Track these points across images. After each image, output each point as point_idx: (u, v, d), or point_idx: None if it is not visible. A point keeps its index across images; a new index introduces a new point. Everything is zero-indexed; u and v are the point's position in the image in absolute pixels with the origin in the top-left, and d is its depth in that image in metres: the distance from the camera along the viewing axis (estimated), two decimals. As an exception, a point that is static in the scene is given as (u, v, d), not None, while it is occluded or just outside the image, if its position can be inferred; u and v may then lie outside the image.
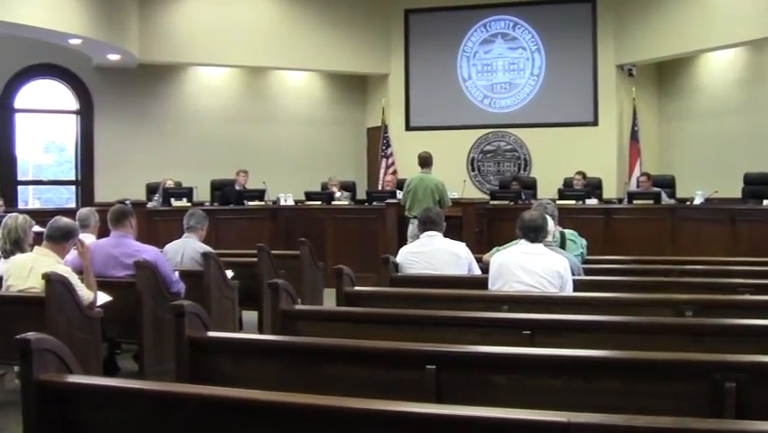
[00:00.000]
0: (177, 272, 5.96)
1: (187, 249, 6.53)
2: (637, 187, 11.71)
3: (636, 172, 12.50)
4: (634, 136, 12.93)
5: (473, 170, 13.88)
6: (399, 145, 13.79)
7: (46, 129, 13.45)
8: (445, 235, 6.08)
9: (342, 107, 14.69)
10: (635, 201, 10.61)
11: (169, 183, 11.28)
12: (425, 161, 9.39)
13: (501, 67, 13.76)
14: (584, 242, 6.30)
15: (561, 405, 2.45)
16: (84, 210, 6.53)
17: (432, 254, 5.86)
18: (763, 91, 11.63)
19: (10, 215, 5.56)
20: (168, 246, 6.64)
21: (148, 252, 5.70)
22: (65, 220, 5.19)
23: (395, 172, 13.61)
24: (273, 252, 7.63)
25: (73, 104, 13.00)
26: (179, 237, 6.68)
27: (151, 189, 11.61)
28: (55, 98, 12.93)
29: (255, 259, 7.35)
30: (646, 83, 13.40)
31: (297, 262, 7.86)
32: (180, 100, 13.55)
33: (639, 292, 5.15)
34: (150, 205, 10.64)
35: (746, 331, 3.71)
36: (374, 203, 11.06)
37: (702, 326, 3.82)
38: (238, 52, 13.12)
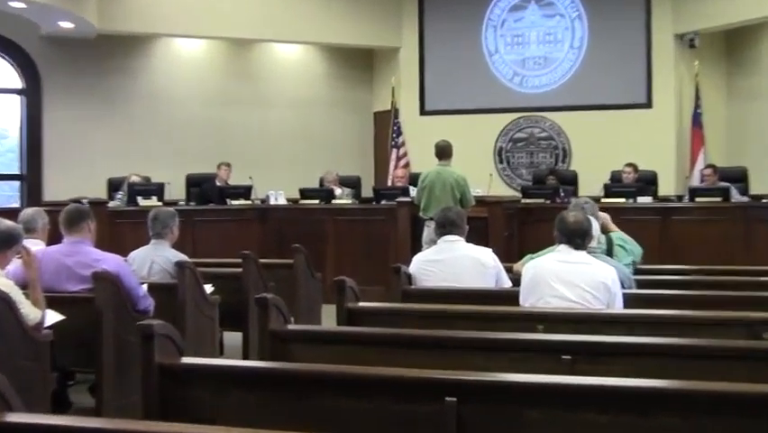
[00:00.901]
0: (144, 286, 5.95)
1: (156, 257, 6.53)
2: (701, 181, 11.67)
3: (700, 164, 12.47)
4: (696, 120, 12.90)
5: (501, 163, 13.86)
6: (413, 133, 13.79)
7: (-16, 113, 13.52)
8: (468, 240, 6.08)
9: (345, 88, 14.71)
10: (698, 199, 10.57)
11: (136, 178, 11.29)
12: (444, 152, 9.38)
13: (535, 38, 13.76)
14: (639, 250, 6.28)
15: (609, 446, 2.43)
16: (29, 211, 6.52)
17: (452, 263, 5.86)
18: None
19: (-61, 217, 5.56)
20: (133, 254, 6.64)
21: (109, 261, 5.69)
22: (6, 223, 5.17)
23: (407, 165, 13.59)
24: (261, 260, 7.63)
25: (16, 82, 13.04)
26: (148, 243, 6.67)
27: (114, 186, 11.63)
28: (-5, 76, 12.99)
29: (240, 269, 7.36)
30: (712, 56, 13.37)
31: (289, 272, 7.87)
32: (149, 79, 13.58)
33: (704, 309, 5.11)
34: (112, 204, 10.66)
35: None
36: (382, 202, 11.06)
37: (782, 350, 3.81)
38: (219, 21, 13.15)
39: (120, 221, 10.18)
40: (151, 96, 13.55)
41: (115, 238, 9.55)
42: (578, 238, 5.05)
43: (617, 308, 4.96)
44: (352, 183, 12.52)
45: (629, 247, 6.18)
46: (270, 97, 14.28)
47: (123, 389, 5.52)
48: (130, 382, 5.42)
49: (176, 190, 11.74)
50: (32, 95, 13.02)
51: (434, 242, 6.41)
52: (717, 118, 13.26)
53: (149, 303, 5.82)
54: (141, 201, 10.57)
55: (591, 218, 5.43)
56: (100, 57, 13.11)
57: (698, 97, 12.96)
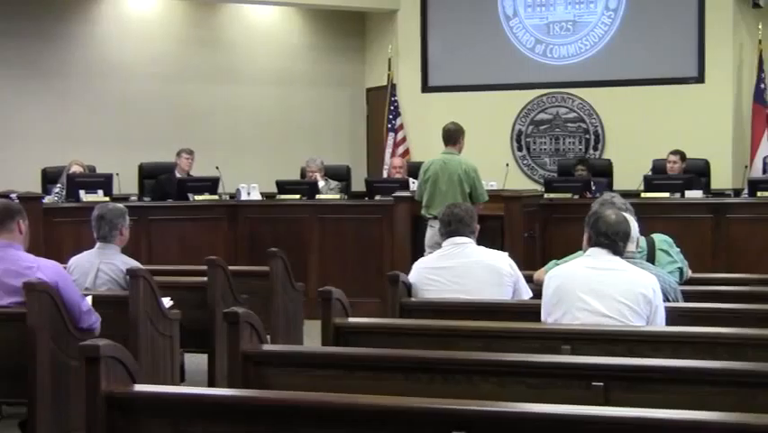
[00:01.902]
0: (88, 298, 5.95)
1: (102, 264, 6.53)
2: (764, 172, 11.68)
3: (763, 150, 12.47)
4: (759, 98, 12.89)
5: (520, 150, 13.88)
6: (413, 113, 13.82)
7: None
8: (480, 243, 6.10)
9: (331, 59, 14.70)
10: (760, 193, 10.57)
11: (77, 168, 11.28)
12: (452, 137, 9.39)
13: (562, -2, 13.80)
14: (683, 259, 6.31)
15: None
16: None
17: (460, 270, 5.88)
18: None
19: None
20: (74, 260, 6.65)
21: (45, 268, 5.68)
22: None
23: (406, 153, 13.59)
24: (231, 268, 7.64)
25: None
26: (92, 247, 6.68)
27: (50, 177, 11.61)
28: None
29: (205, 278, 7.36)
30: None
31: (265, 282, 7.89)
32: (92, 47, 13.53)
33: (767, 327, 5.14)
34: (48, 199, 10.65)
35: None
36: (377, 197, 11.08)
37: None
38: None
39: (58, 220, 10.16)
40: (96, 69, 13.49)
41: (52, 241, 9.56)
42: (621, 241, 5.05)
43: (660, 324, 4.97)
44: (341, 174, 12.51)
45: (675, 252, 6.19)
46: (241, 71, 14.26)
47: (62, 423, 5.51)
48: (71, 414, 5.42)
49: (126, 183, 11.72)
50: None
51: (438, 245, 6.42)
52: (783, 95, 13.26)
53: (94, 320, 5.82)
54: (84, 196, 10.55)
55: (630, 218, 5.44)
56: (31, 19, 13.04)
57: (762, 69, 12.93)
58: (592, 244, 5.11)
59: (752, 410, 3.27)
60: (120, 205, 6.93)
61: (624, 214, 5.33)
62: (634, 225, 5.53)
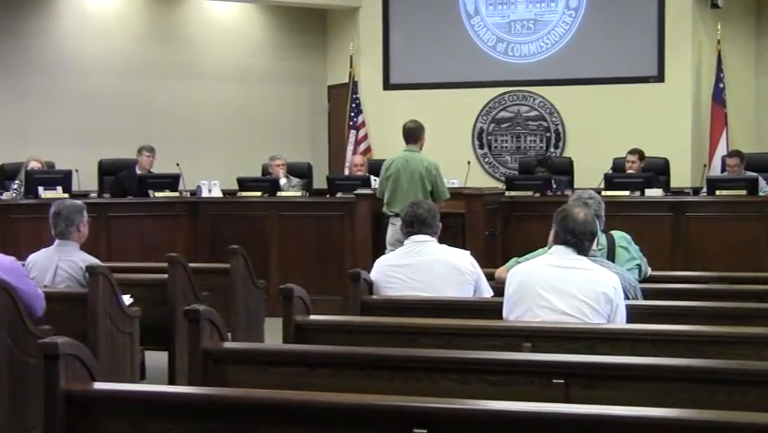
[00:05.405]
0: (39, 291, 5.92)
1: (61, 262, 6.50)
2: (723, 171, 11.74)
3: (722, 150, 12.54)
4: (717, 97, 12.98)
5: (482, 148, 13.91)
6: (375, 111, 13.82)
7: None
8: (441, 241, 6.11)
9: (292, 56, 14.69)
10: (718, 192, 10.63)
11: (36, 164, 11.21)
12: (412, 135, 9.38)
13: (523, -4, 13.84)
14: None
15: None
16: None
17: (422, 268, 5.88)
18: None
19: None
20: (32, 257, 6.61)
21: (1, 265, 5.65)
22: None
23: (368, 150, 13.58)
24: (191, 265, 7.64)
25: None
26: (51, 244, 6.64)
27: (8, 173, 11.52)
28: None
29: (165, 276, 7.34)
30: (738, 18, 13.43)
31: (226, 279, 7.89)
32: (51, 42, 13.44)
33: (725, 325, 5.17)
34: (6, 196, 10.60)
35: None
36: (338, 194, 11.06)
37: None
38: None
39: (16, 216, 10.12)
40: (54, 65, 13.40)
41: (10, 238, 9.51)
42: (587, 241, 5.06)
43: (620, 322, 4.99)
44: (302, 172, 12.48)
45: (634, 249, 6.22)
46: (202, 68, 14.20)
47: (18, 422, 5.47)
48: (28, 413, 5.39)
49: (86, 179, 11.68)
50: None
51: (400, 243, 6.43)
52: (743, 94, 13.34)
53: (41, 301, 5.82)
54: (43, 192, 10.49)
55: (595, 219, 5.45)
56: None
57: (720, 69, 13.01)
58: (558, 241, 5.12)
59: (710, 407, 3.30)
60: (77, 201, 6.89)
61: (593, 214, 5.34)
62: (597, 225, 5.55)
